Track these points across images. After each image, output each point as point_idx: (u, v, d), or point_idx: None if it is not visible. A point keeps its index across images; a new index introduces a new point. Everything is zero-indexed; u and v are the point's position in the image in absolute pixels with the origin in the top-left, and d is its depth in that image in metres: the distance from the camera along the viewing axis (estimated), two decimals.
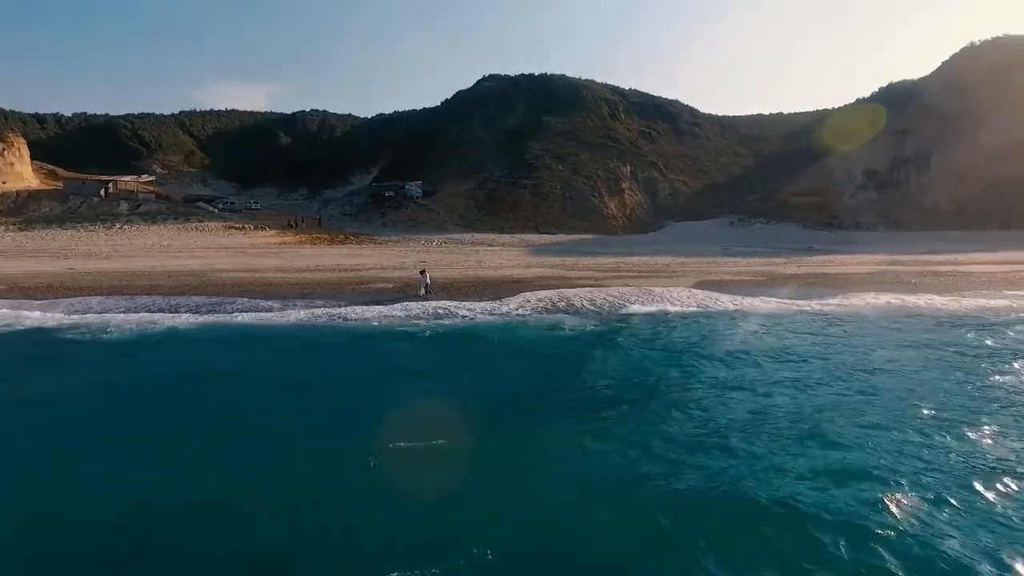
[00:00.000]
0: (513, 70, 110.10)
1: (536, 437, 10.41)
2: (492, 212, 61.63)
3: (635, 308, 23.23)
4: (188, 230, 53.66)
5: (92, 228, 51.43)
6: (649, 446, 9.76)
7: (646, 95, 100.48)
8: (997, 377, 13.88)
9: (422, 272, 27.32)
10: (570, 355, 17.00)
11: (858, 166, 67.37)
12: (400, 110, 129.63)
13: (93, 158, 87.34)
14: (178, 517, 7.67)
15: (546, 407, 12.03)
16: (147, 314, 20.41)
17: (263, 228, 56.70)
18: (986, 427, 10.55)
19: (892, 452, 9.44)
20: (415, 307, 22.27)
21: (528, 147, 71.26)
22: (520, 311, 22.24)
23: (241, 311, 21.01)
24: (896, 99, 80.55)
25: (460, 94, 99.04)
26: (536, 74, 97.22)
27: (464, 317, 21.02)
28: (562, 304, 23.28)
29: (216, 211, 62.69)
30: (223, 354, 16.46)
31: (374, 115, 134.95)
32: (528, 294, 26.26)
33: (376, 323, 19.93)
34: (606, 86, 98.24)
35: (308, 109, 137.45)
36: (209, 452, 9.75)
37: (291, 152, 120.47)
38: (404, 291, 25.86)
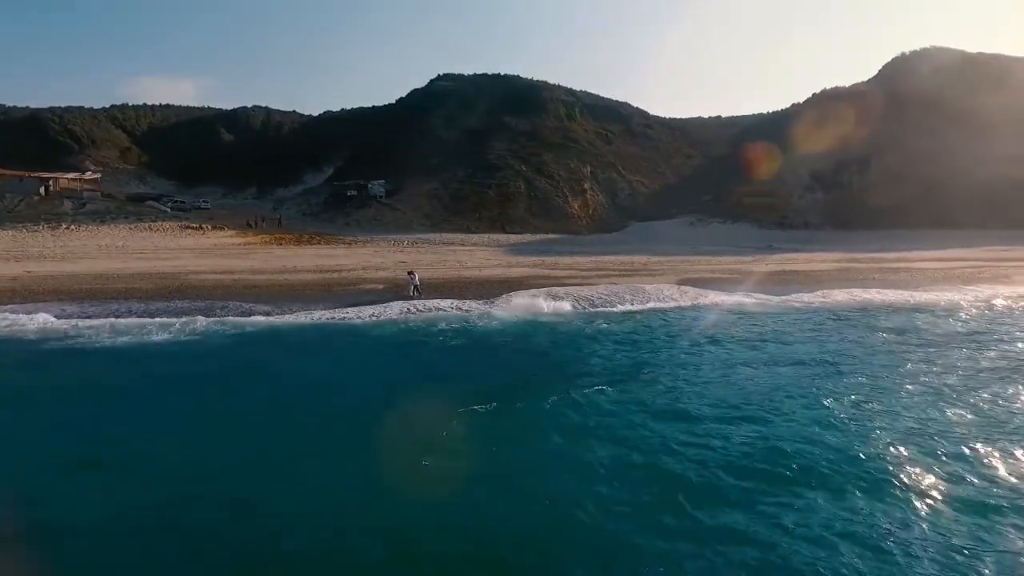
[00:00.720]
0: (453, 69, 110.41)
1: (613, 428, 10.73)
2: (457, 212, 61.54)
3: (635, 306, 23.88)
4: (141, 230, 51.06)
5: (36, 228, 48.20)
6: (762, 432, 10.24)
7: (598, 97, 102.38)
8: (985, 354, 15.35)
9: (410, 273, 27.10)
10: (597, 352, 17.34)
11: (805, 168, 71.02)
12: (349, 108, 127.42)
13: (16, 154, 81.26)
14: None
15: (611, 400, 12.39)
16: (147, 319, 19.53)
17: (222, 228, 54.64)
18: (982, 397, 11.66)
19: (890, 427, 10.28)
20: (422, 307, 22.22)
21: (490, 147, 71.52)
22: (527, 311, 22.41)
23: (240, 315, 20.33)
24: (832, 104, 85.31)
25: (416, 93, 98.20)
26: (491, 74, 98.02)
27: (471, 316, 21.03)
28: (567, 303, 23.65)
29: (168, 210, 59.93)
30: (257, 358, 16.06)
31: (321, 112, 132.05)
32: (523, 292, 26.62)
33: (400, 324, 19.79)
34: (559, 87, 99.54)
35: (250, 105, 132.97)
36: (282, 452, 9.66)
37: (235, 150, 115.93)
38: (396, 292, 25.54)
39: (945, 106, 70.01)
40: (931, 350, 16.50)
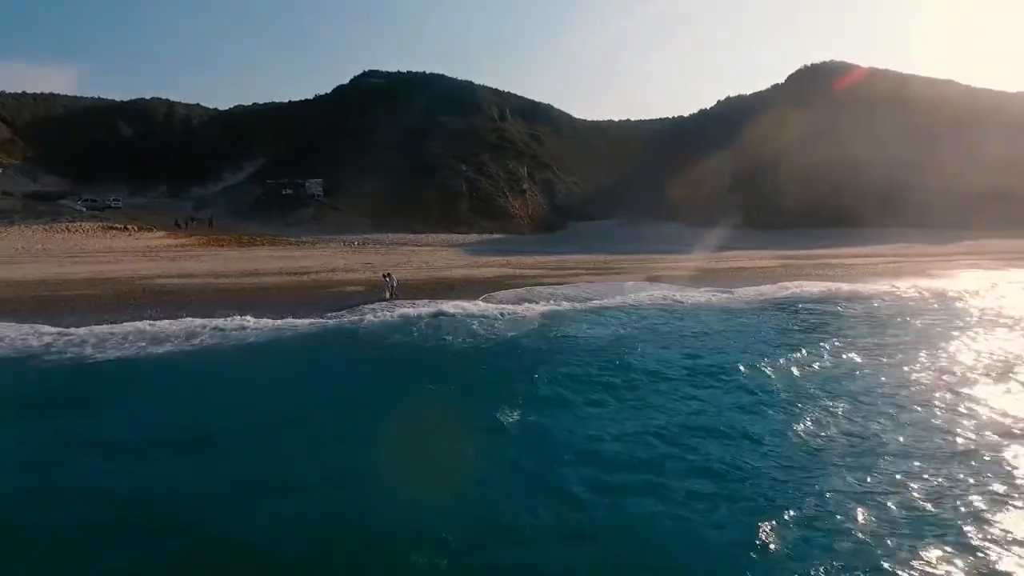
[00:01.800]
0: (351, 67, 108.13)
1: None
2: (400, 212, 60.64)
3: (628, 301, 24.90)
4: (58, 231, 46.59)
5: None
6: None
7: (524, 99, 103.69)
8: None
9: (386, 275, 26.88)
10: (627, 345, 18.09)
11: (725, 170, 75.72)
12: (262, 102, 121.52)
13: None
14: None
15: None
16: (149, 329, 18.36)
17: (149, 229, 50.86)
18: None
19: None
20: (426, 309, 22.12)
21: (428, 146, 70.96)
22: (521, 309, 22.77)
23: (231, 328, 19.41)
24: (740, 110, 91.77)
25: (342, 90, 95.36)
26: (418, 72, 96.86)
27: (486, 317, 21.21)
28: (565, 302, 24.36)
29: (83, 210, 54.95)
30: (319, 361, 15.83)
31: (232, 106, 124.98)
32: (506, 292, 27.16)
33: (417, 328, 19.76)
34: (484, 87, 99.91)
35: (149, 97, 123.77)
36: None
37: (137, 144, 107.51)
38: (377, 294, 25.08)
39: (847, 114, 77.18)
40: (903, 326, 18.80)
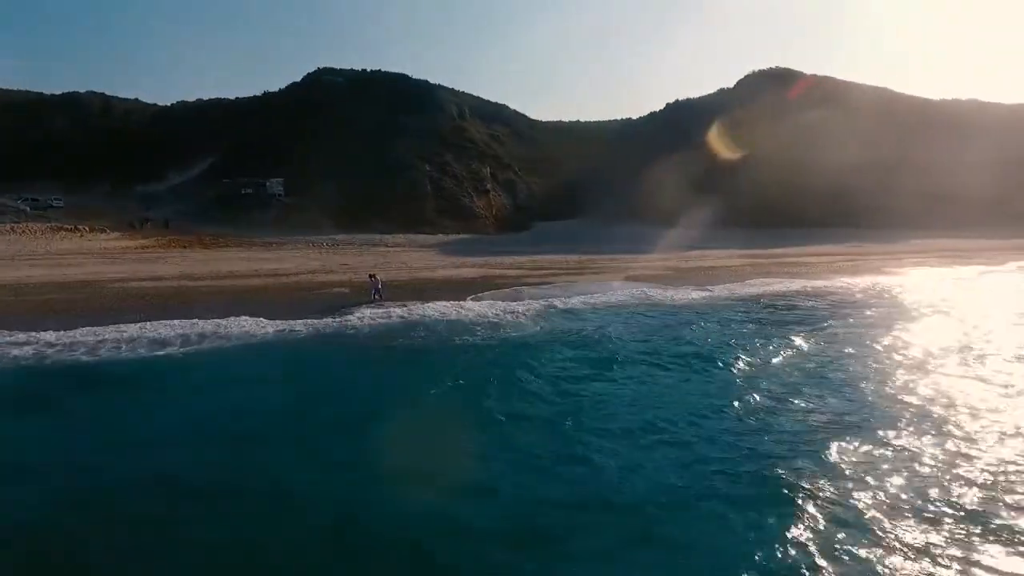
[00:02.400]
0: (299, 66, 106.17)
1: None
2: (364, 212, 59.82)
3: (619, 300, 25.54)
4: (3, 232, 43.91)
5: None
6: None
7: (481, 99, 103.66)
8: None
9: (372, 276, 26.71)
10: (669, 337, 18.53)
11: (683, 172, 77.75)
12: (207, 98, 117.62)
13: None
14: None
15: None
16: (150, 332, 17.76)
17: (102, 230, 48.53)
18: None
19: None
20: (422, 311, 22.06)
21: (391, 146, 70.13)
22: (520, 308, 23.04)
23: (233, 330, 19.02)
24: (693, 112, 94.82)
25: (296, 88, 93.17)
26: (378, 71, 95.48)
27: (481, 318, 21.27)
28: (556, 301, 24.69)
29: (28, 210, 51.98)
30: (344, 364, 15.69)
31: (174, 102, 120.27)
32: (495, 292, 27.41)
33: (433, 328, 19.68)
34: (441, 87, 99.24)
35: (84, 90, 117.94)
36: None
37: (72, 140, 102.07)
38: (363, 295, 24.82)
39: (796, 119, 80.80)
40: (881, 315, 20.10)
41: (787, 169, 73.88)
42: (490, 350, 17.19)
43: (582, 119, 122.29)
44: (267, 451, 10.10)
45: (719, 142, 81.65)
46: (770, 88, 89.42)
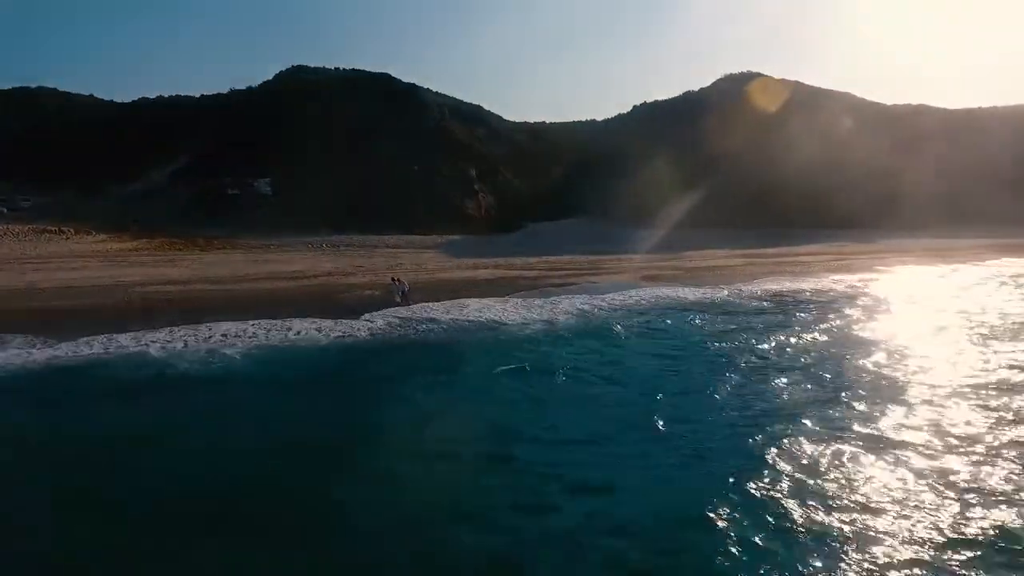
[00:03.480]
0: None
1: None
2: (355, 214, 58.88)
3: (653, 296, 26.09)
4: None
5: None
6: None
7: (460, 100, 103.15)
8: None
9: (395, 280, 26.72)
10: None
11: (661, 173, 79.25)
12: (168, 95, 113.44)
13: None
14: None
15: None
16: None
17: (88, 232, 46.49)
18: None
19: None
20: (467, 312, 22.14)
21: (377, 147, 69.28)
22: (578, 308, 23.39)
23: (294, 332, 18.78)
24: (666, 113, 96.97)
25: (269, 86, 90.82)
26: (347, 68, 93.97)
27: (538, 319, 21.47)
28: (597, 300, 25.08)
29: (5, 211, 49.48)
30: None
31: (136, 99, 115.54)
32: (526, 293, 27.71)
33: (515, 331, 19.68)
34: (427, 89, 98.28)
35: (34, 86, 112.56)
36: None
37: (27, 139, 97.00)
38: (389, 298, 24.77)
39: (769, 122, 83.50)
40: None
41: (764, 170, 76.34)
42: (590, 347, 17.44)
43: (548, 120, 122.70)
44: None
45: (696, 143, 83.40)
46: (742, 91, 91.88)
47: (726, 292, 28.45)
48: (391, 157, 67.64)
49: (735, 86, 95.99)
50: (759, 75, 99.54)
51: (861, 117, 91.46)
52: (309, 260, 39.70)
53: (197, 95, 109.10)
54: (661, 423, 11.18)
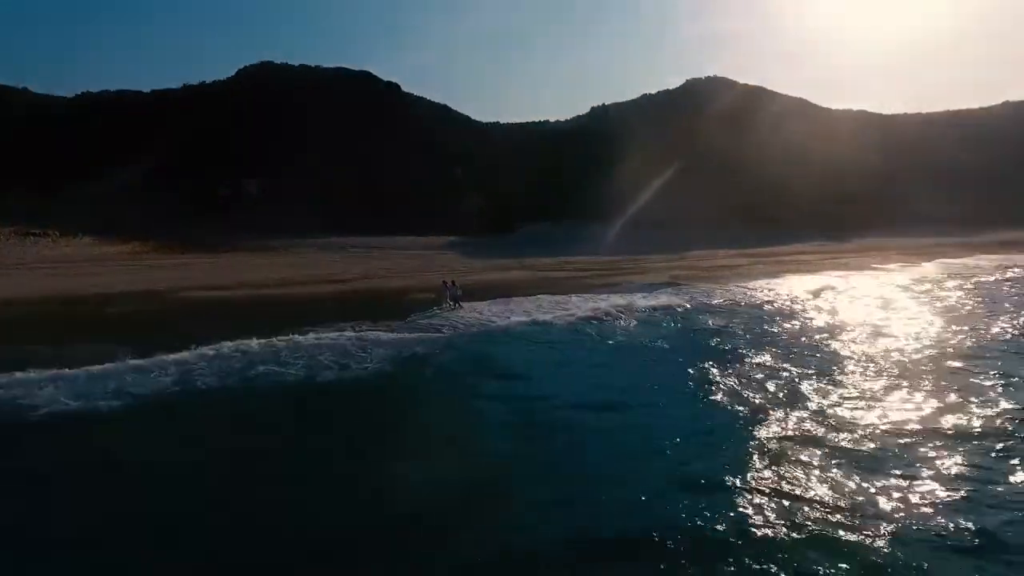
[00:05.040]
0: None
1: None
2: (354, 215, 57.47)
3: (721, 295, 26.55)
4: None
5: None
6: None
7: (431, 101, 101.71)
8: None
9: (447, 283, 26.30)
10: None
11: (639, 174, 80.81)
12: (114, 90, 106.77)
13: None
14: None
15: None
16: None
17: (73, 234, 43.30)
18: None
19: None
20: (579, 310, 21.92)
21: (369, 147, 67.69)
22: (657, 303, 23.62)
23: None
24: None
25: (243, 81, 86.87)
26: (314, 66, 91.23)
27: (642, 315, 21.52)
28: (673, 299, 25.33)
29: None
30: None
31: (79, 93, 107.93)
32: (583, 294, 27.71)
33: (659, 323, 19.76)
34: (409, 93, 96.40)
35: None
36: None
37: None
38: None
39: (736, 125, 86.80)
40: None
41: (740, 170, 79.32)
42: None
43: (503, 121, 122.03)
44: None
45: (675, 144, 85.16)
46: (710, 95, 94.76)
47: (768, 290, 29.36)
48: (379, 158, 66.36)
49: (700, 89, 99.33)
50: (724, 79, 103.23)
51: (821, 122, 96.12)
52: (328, 263, 38.58)
53: (148, 90, 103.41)
54: None
